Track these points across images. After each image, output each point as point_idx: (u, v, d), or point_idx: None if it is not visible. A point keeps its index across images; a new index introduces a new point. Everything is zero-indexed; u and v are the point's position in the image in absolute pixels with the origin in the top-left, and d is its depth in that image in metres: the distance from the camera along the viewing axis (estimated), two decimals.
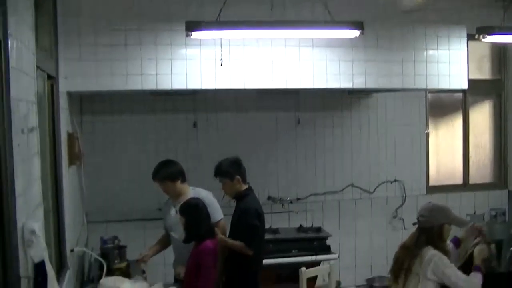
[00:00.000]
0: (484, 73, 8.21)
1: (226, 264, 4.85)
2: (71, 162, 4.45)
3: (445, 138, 8.12)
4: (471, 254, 3.84)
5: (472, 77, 7.25)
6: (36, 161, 2.50)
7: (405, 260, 3.80)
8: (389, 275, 3.98)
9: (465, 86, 6.45)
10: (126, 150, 6.80)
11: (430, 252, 3.71)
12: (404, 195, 7.75)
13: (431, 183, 7.92)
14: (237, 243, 4.69)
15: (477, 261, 3.76)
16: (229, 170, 4.82)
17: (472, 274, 3.69)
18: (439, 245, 3.75)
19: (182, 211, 4.28)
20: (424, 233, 3.77)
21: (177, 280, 4.86)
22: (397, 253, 3.91)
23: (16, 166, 1.93)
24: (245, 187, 4.87)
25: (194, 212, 4.26)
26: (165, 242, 5.23)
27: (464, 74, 6.32)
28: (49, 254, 2.44)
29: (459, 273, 3.67)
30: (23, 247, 1.99)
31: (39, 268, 2.02)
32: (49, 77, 3.58)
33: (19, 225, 1.94)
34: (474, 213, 7.80)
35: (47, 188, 3.11)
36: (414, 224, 3.89)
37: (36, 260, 2.02)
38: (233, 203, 5.08)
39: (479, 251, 3.81)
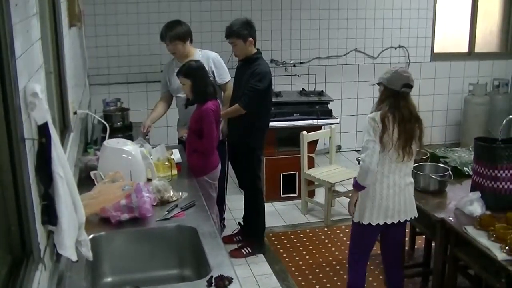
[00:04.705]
0: None
1: (233, 128, 4.92)
2: (71, 23, 4.35)
3: (453, 3, 7.89)
4: None
5: None
6: (35, 22, 2.43)
7: (415, 130, 3.52)
8: (397, 152, 3.48)
9: None
10: (127, 11, 6.66)
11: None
12: (408, 62, 7.70)
13: (436, 50, 7.83)
14: (234, 110, 4.73)
15: None
16: (242, 31, 4.69)
17: None
18: None
19: (187, 73, 4.20)
20: (406, 96, 3.54)
21: (180, 142, 4.94)
22: (406, 126, 3.48)
23: (14, 27, 1.88)
24: (255, 50, 4.80)
25: (200, 74, 4.21)
26: (162, 107, 5.14)
27: None
28: (52, 116, 2.44)
29: None
30: (26, 109, 1.98)
31: (43, 130, 2.02)
32: None
33: (20, 87, 1.91)
34: (477, 82, 7.79)
35: (48, 50, 3.05)
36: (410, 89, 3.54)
37: (39, 122, 2.02)
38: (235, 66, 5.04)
39: None
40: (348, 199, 5.74)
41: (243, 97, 4.71)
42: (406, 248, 4.46)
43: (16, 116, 1.84)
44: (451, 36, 7.99)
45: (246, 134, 4.83)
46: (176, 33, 4.77)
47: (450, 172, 3.99)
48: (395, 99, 3.48)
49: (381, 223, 3.58)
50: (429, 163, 4.18)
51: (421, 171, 4.01)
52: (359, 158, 3.51)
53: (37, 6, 2.51)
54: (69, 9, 4.26)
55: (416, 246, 4.88)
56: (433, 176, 3.93)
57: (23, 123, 1.91)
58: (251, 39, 4.71)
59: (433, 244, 4.23)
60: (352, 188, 3.75)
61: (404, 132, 3.45)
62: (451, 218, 3.53)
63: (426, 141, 7.71)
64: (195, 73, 4.20)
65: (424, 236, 4.55)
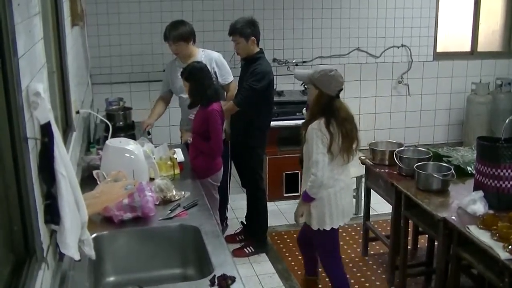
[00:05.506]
0: None
1: (233, 127, 4.93)
2: (73, 22, 4.35)
3: (456, 2, 7.87)
4: None
5: None
6: (37, 22, 2.43)
7: (353, 130, 3.61)
8: (342, 157, 3.59)
9: None
10: (129, 10, 6.66)
11: None
12: (411, 61, 7.69)
13: (439, 49, 7.82)
14: (229, 107, 4.72)
15: None
16: (245, 30, 4.69)
17: None
18: None
19: (188, 76, 4.19)
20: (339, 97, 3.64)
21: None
22: (345, 127, 3.54)
23: (17, 27, 1.88)
24: (257, 49, 4.79)
25: (200, 76, 4.19)
26: (162, 106, 5.16)
27: None
28: (55, 116, 2.43)
29: None
30: (28, 109, 1.98)
31: (45, 129, 2.02)
32: None
33: (23, 86, 1.90)
34: (480, 81, 7.77)
35: (51, 50, 3.04)
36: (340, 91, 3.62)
37: (42, 121, 2.01)
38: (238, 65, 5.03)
39: None
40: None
41: (238, 95, 4.74)
42: (409, 247, 4.47)
43: (18, 115, 1.83)
44: (453, 35, 7.98)
45: (246, 134, 4.84)
46: (179, 33, 4.75)
47: (453, 171, 3.98)
48: (332, 104, 3.54)
49: (341, 225, 3.76)
50: (431, 162, 4.16)
51: (424, 170, 3.99)
52: (312, 173, 3.54)
53: (39, 5, 2.50)
54: (71, 9, 4.26)
55: (419, 246, 4.88)
56: (435, 175, 3.91)
57: (25, 122, 1.90)
58: (253, 38, 4.70)
59: (435, 243, 4.23)
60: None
61: (346, 135, 3.54)
62: (453, 218, 3.52)
63: (429, 140, 7.78)
64: (194, 76, 4.16)
65: (426, 236, 4.55)
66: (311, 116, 3.61)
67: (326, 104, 3.53)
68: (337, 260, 3.89)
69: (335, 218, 3.67)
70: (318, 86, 3.55)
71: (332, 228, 3.69)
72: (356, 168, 5.72)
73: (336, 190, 3.63)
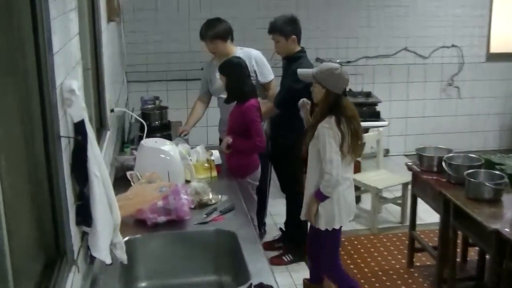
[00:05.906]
0: None
1: (273, 129, 4.82)
2: (110, 18, 4.30)
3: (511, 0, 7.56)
4: None
5: None
6: (73, 17, 2.39)
7: (359, 127, 3.63)
8: (350, 155, 3.60)
9: None
10: (167, 6, 6.60)
11: None
12: (462, 62, 7.44)
13: (492, 50, 7.53)
14: (268, 109, 4.62)
15: None
16: (285, 28, 4.57)
17: None
18: None
19: (224, 70, 4.12)
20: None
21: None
22: (353, 125, 3.56)
23: (53, 22, 1.84)
24: (298, 48, 4.66)
25: (236, 71, 4.11)
26: (201, 108, 5.04)
27: None
28: (89, 114, 2.40)
29: None
30: (62, 106, 1.95)
31: (79, 127, 2.00)
32: None
33: (57, 83, 1.88)
34: None
35: (86, 46, 2.98)
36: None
37: (76, 119, 1.99)
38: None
39: None
40: (396, 206, 5.62)
41: (277, 96, 4.66)
42: (457, 260, 4.29)
43: (52, 112, 1.82)
44: (508, 35, 7.64)
45: (285, 135, 4.69)
46: (216, 31, 4.66)
47: (507, 180, 3.78)
48: (340, 102, 3.56)
49: (348, 222, 3.84)
50: (483, 170, 3.97)
51: (475, 178, 3.80)
52: (326, 172, 3.52)
53: (75, 0, 2.48)
54: (107, 4, 4.22)
55: (468, 258, 4.65)
56: (487, 184, 3.72)
57: (59, 120, 1.88)
58: (294, 36, 4.57)
59: (486, 256, 4.04)
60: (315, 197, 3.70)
61: (355, 133, 3.57)
62: (507, 229, 3.33)
63: (480, 146, 7.53)
64: (231, 70, 4.12)
65: (477, 248, 4.34)
66: (319, 116, 3.60)
67: (333, 102, 3.54)
68: (338, 260, 3.90)
69: (344, 216, 3.69)
70: (325, 85, 3.55)
71: (340, 226, 3.71)
72: (402, 175, 5.56)
73: (344, 188, 3.65)
